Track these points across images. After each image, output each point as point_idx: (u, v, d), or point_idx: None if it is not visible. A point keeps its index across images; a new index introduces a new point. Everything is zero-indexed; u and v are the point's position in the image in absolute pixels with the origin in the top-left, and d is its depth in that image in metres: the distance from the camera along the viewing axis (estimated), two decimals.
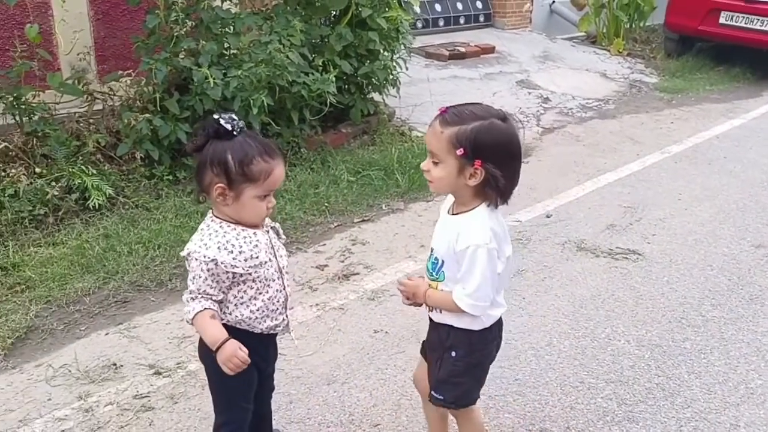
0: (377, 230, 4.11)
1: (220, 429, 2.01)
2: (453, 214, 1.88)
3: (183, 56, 4.29)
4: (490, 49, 8.56)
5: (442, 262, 1.86)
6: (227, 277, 1.79)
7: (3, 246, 3.55)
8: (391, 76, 5.52)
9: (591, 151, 5.84)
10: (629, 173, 5.24)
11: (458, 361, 1.93)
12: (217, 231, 1.80)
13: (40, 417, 2.44)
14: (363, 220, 4.23)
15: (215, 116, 1.76)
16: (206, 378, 2.00)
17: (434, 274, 1.89)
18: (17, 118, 4.16)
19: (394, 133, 5.80)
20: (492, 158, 1.75)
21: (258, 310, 1.86)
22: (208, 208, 1.91)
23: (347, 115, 5.47)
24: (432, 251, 1.91)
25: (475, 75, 7.81)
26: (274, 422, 2.30)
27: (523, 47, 8.97)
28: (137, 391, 2.58)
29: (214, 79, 4.22)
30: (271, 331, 1.94)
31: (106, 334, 2.98)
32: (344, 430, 2.38)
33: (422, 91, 6.91)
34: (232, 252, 1.77)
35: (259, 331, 1.89)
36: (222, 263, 1.75)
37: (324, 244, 3.91)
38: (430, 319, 1.99)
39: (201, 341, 1.91)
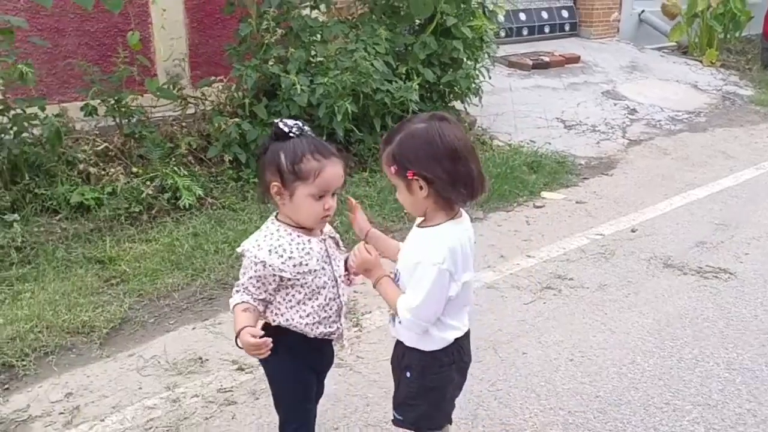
0: None
1: (284, 429, 2.05)
2: (419, 226, 1.82)
3: (272, 63, 4.42)
4: (575, 59, 8.41)
5: (400, 274, 1.82)
6: (273, 280, 1.81)
7: (101, 240, 3.75)
8: (473, 85, 5.51)
9: (680, 164, 5.64)
10: (721, 189, 5.03)
11: (412, 382, 1.87)
12: (272, 234, 1.83)
13: (131, 405, 2.56)
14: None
15: (277, 120, 1.82)
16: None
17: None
18: (117, 120, 4.39)
19: (475, 142, 5.77)
20: (419, 165, 1.67)
21: (308, 315, 1.87)
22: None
23: None
24: (396, 263, 1.87)
25: (558, 85, 7.69)
26: (344, 427, 2.34)
27: (609, 57, 8.77)
28: (221, 385, 2.67)
29: (301, 85, 4.33)
30: (325, 338, 1.95)
31: (193, 328, 3.10)
32: None
33: (504, 101, 6.86)
34: (282, 256, 1.79)
35: (313, 336, 1.91)
36: (270, 266, 1.78)
37: None
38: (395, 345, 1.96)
39: None
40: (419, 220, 1.83)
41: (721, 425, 2.48)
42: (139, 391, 2.65)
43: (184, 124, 4.78)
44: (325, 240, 1.90)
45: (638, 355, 2.91)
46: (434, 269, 1.68)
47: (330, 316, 1.92)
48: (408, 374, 1.86)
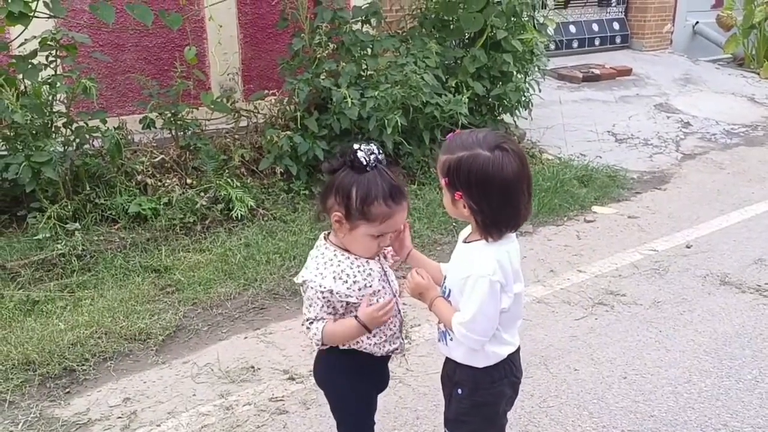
0: None
1: None
2: (465, 242, 1.81)
3: (324, 77, 4.49)
4: (627, 72, 8.30)
5: (449, 291, 1.80)
6: (341, 306, 1.81)
7: (157, 250, 3.85)
8: (523, 98, 5.49)
9: (737, 179, 5.50)
10: None
11: (464, 399, 1.85)
12: (331, 260, 1.80)
13: (186, 411, 2.62)
14: None
15: (356, 146, 1.75)
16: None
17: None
18: (173, 132, 4.52)
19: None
20: (469, 190, 1.66)
21: (375, 336, 1.87)
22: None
23: None
24: (444, 278, 1.86)
25: (609, 98, 7.60)
26: None
27: (662, 69, 8.62)
28: (273, 395, 2.71)
29: (352, 99, 4.38)
30: (391, 354, 1.95)
31: (245, 338, 3.16)
32: None
33: (554, 114, 6.81)
34: (346, 282, 1.78)
35: (380, 355, 1.91)
36: (337, 293, 1.77)
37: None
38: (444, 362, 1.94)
39: (316, 366, 1.99)
40: (464, 235, 1.84)
41: None
42: (193, 397, 2.71)
43: (236, 136, 4.88)
44: (379, 258, 1.89)
45: (694, 374, 2.85)
46: (485, 281, 1.67)
47: (395, 333, 1.92)
48: (459, 391, 1.85)
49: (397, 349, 1.95)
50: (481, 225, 1.69)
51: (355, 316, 1.78)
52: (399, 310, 1.93)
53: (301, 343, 3.09)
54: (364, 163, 1.74)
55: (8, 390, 2.70)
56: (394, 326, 1.92)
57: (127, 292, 3.44)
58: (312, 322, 1.80)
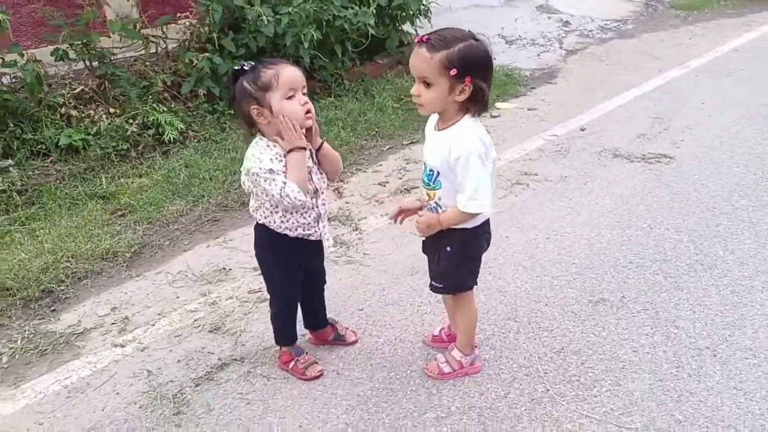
0: None
1: (275, 316, 2.46)
2: (440, 130, 2.07)
3: None
4: None
5: (437, 173, 2.07)
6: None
7: (97, 178, 3.94)
8: (422, 6, 5.77)
9: (615, 69, 6.12)
10: (653, 88, 5.54)
11: (454, 255, 2.19)
12: (266, 147, 2.11)
13: (174, 311, 2.87)
14: (411, 143, 4.58)
15: (233, 68, 2.14)
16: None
17: (431, 183, 2.11)
18: (88, 62, 4.48)
19: None
20: (478, 74, 1.94)
21: (288, 221, 2.20)
22: None
23: (381, 47, 5.75)
24: (425, 165, 2.13)
25: (495, 2, 8.02)
26: (367, 307, 2.75)
27: None
28: (250, 287, 3.01)
29: (266, 16, 4.51)
30: (307, 238, 2.27)
31: (208, 246, 3.40)
32: (433, 309, 2.80)
33: (447, 21, 7.10)
34: (282, 161, 2.10)
35: (294, 236, 2.24)
36: (276, 171, 2.07)
37: (380, 165, 4.28)
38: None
39: (255, 244, 2.35)
40: (432, 125, 2.13)
41: (676, 273, 2.99)
42: (177, 299, 2.96)
43: (147, 63, 4.90)
44: (310, 150, 2.18)
45: (602, 228, 3.40)
46: (475, 156, 1.97)
47: (309, 223, 2.25)
48: (449, 249, 2.19)
49: (311, 235, 2.27)
50: (480, 104, 1.99)
51: (286, 153, 2.09)
52: (316, 206, 2.23)
53: None
54: (239, 68, 2.10)
55: None
56: (309, 217, 2.23)
57: (79, 219, 3.56)
58: (282, 191, 2.07)
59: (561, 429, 2.18)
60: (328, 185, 2.33)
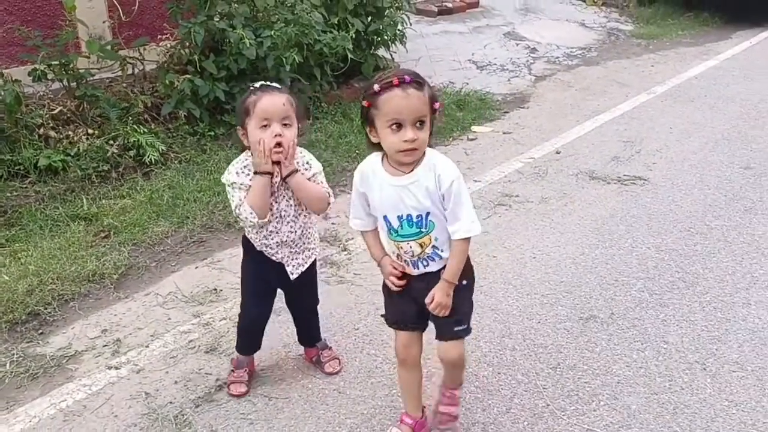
0: None
1: (238, 321, 2.54)
2: (408, 173, 1.93)
3: (218, 19, 4.59)
4: (475, 4, 8.95)
5: (427, 213, 1.95)
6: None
7: (78, 199, 3.88)
8: (398, 32, 5.88)
9: (583, 95, 6.31)
10: (622, 113, 5.72)
11: (467, 287, 2.08)
12: (241, 159, 2.24)
13: (167, 332, 2.84)
14: None
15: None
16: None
17: (423, 230, 1.97)
18: (66, 83, 4.43)
19: None
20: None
21: (258, 233, 2.30)
22: None
23: (357, 71, 5.82)
24: (401, 218, 1.97)
25: (464, 29, 8.20)
26: (363, 327, 2.77)
27: (505, 0, 9.35)
28: None
29: (248, 39, 4.54)
30: (271, 257, 2.35)
31: (196, 267, 3.37)
32: (429, 327, 2.82)
33: (419, 47, 7.26)
34: (249, 175, 2.20)
35: (258, 249, 2.35)
36: (238, 183, 2.20)
37: None
38: (419, 277, 2.06)
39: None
40: (386, 171, 1.96)
41: (660, 290, 3.09)
42: (169, 321, 2.93)
43: (124, 84, 4.86)
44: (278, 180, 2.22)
45: (586, 248, 3.49)
46: (461, 180, 1.94)
47: (270, 245, 2.32)
48: (465, 282, 2.05)
49: (273, 255, 2.34)
50: (433, 134, 1.94)
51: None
52: (278, 231, 2.29)
53: None
54: (251, 86, 2.23)
55: None
56: (271, 239, 2.31)
57: (62, 240, 3.49)
58: (238, 208, 2.21)
59: None
60: (304, 213, 2.33)
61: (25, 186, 3.92)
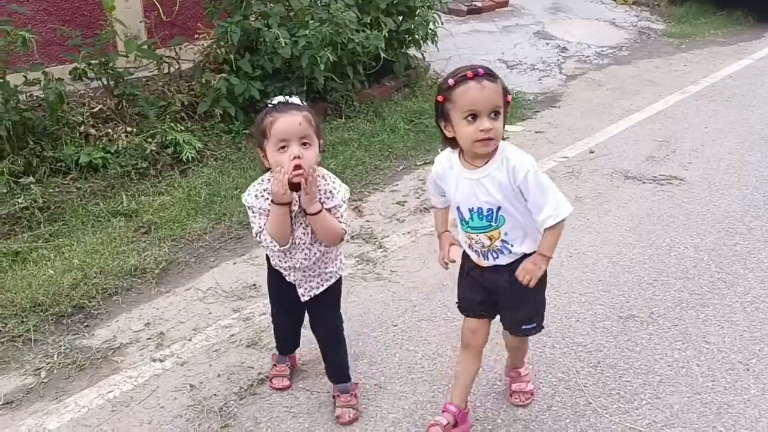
0: None
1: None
2: (481, 166, 1.98)
3: (254, 18, 4.64)
4: (504, 3, 8.92)
5: (498, 207, 1.99)
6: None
7: (117, 196, 3.95)
8: (429, 31, 5.89)
9: (616, 94, 6.26)
10: (656, 112, 5.67)
11: (542, 281, 2.08)
12: (260, 181, 2.16)
13: (209, 326, 2.89)
14: (425, 163, 4.64)
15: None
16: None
17: (493, 223, 2.01)
18: (106, 82, 4.52)
19: (432, 85, 6.18)
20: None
21: (274, 254, 2.23)
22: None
23: (388, 70, 5.84)
24: (472, 210, 2.02)
25: (493, 28, 8.18)
26: (401, 323, 2.79)
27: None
28: None
29: (284, 39, 4.58)
30: (287, 278, 2.28)
31: (234, 263, 3.42)
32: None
33: (448, 46, 7.25)
34: (267, 199, 2.11)
35: (275, 267, 2.30)
36: (255, 208, 2.13)
37: (396, 184, 4.34)
38: (490, 268, 2.11)
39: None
40: (460, 164, 2.01)
41: (700, 291, 3.07)
42: (210, 315, 2.97)
43: (161, 83, 4.94)
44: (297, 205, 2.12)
45: (623, 247, 3.47)
46: (535, 169, 1.96)
47: (283, 266, 2.25)
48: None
49: (286, 276, 2.27)
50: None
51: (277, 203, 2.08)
52: (292, 257, 2.20)
53: None
54: (268, 104, 2.11)
55: (27, 330, 2.82)
56: (283, 263, 2.23)
57: (104, 235, 3.56)
58: (258, 235, 2.15)
59: None
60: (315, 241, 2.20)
61: (66, 182, 3.99)
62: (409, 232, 3.69)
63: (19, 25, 4.15)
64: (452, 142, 2.02)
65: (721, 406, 2.37)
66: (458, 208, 2.08)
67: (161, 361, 2.66)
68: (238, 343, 2.77)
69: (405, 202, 4.09)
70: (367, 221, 3.84)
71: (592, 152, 4.80)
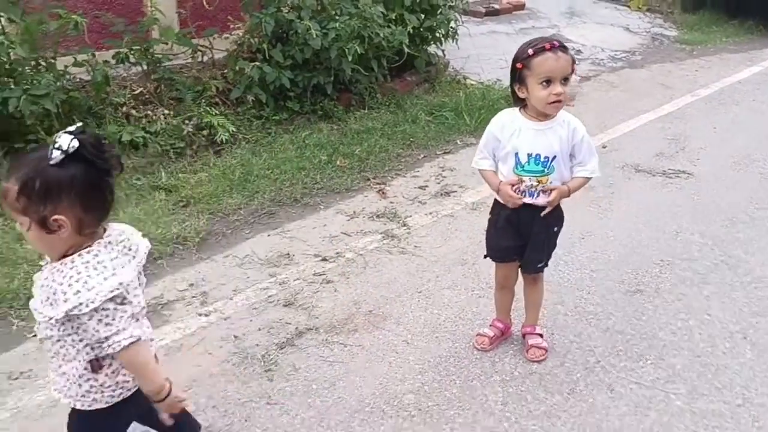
0: (459, 159, 4.77)
1: None
2: (548, 120, 2.35)
3: (287, 11, 4.89)
4: (521, 6, 9.15)
5: (554, 157, 2.35)
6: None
7: (157, 172, 4.20)
8: (450, 30, 6.13)
9: (628, 95, 6.48)
10: (666, 113, 5.89)
11: (557, 233, 2.59)
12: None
13: (248, 288, 3.13)
14: (445, 152, 4.89)
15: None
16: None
17: (545, 170, 2.37)
18: (145, 67, 4.78)
19: (451, 81, 6.43)
20: None
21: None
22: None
23: (410, 65, 6.09)
24: (532, 156, 2.36)
25: (510, 30, 8.41)
26: (425, 290, 3.03)
27: (550, 3, 9.54)
28: (315, 271, 3.27)
29: (315, 30, 4.83)
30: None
31: (268, 235, 3.66)
32: (487, 293, 3.07)
33: (466, 45, 7.47)
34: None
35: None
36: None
37: (418, 171, 4.58)
38: (526, 207, 2.45)
39: None
40: (521, 121, 2.38)
41: (704, 271, 3.30)
42: (248, 279, 3.22)
43: (195, 71, 5.20)
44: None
45: (632, 231, 3.70)
46: (587, 134, 2.43)
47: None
48: (555, 229, 2.56)
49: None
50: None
51: None
52: None
53: (318, 235, 3.65)
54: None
55: None
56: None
57: (147, 207, 3.81)
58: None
59: (614, 392, 2.46)
60: None
61: None
62: (430, 213, 3.93)
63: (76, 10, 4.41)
64: (520, 102, 2.38)
65: (719, 367, 2.59)
66: (516, 153, 2.38)
67: (206, 315, 2.91)
68: (276, 302, 3.01)
69: (426, 186, 4.33)
70: (391, 203, 4.08)
71: (604, 147, 5.03)
